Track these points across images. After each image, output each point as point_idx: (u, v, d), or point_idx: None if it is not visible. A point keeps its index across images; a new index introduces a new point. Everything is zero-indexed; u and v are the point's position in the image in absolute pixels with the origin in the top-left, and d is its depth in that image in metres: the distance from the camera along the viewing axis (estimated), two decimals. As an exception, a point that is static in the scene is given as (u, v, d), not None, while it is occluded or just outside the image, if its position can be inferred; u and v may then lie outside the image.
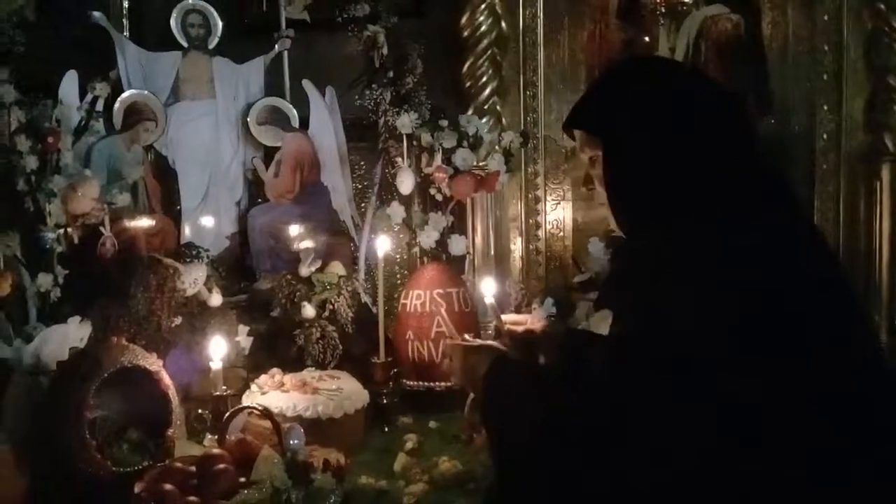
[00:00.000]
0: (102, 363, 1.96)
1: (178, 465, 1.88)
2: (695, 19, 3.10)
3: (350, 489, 1.94)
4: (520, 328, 1.70)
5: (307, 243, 2.74)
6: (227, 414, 2.05)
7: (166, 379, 2.08)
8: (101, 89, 2.49)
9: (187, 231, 2.97)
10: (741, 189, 1.13)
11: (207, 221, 2.95)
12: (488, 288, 1.95)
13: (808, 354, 1.04)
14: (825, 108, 2.94)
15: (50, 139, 2.22)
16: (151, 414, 2.04)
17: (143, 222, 2.62)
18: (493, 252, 3.14)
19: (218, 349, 2.20)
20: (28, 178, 2.22)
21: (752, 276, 1.05)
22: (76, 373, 1.95)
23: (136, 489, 1.81)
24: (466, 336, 1.77)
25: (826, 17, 2.92)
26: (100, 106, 2.53)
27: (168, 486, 1.81)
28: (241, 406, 2.08)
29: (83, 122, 2.45)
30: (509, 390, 1.32)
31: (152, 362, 2.08)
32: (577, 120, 1.33)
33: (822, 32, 2.93)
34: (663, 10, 3.11)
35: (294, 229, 2.92)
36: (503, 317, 1.78)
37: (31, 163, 2.21)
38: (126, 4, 3.21)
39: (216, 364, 2.18)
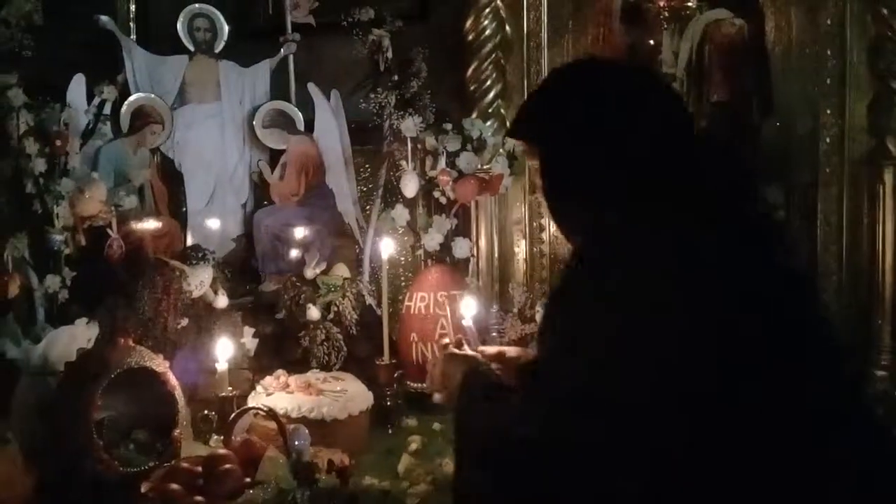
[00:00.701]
0: (110, 364, 1.98)
1: (185, 465, 1.90)
2: (698, 24, 3.11)
3: (355, 490, 1.96)
4: (492, 350, 1.70)
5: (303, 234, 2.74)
6: (232, 415, 2.06)
7: (172, 380, 2.09)
8: (109, 93, 2.51)
9: (193, 233, 2.98)
10: (673, 195, 1.10)
11: (213, 224, 2.97)
12: (467, 309, 1.85)
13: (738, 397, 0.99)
14: (828, 112, 2.94)
15: (58, 142, 2.25)
16: (158, 415, 2.06)
17: (150, 224, 2.64)
18: (496, 255, 3.15)
19: (224, 351, 2.21)
20: (36, 181, 2.24)
21: (680, 306, 1.00)
22: (84, 374, 1.97)
23: (143, 489, 1.84)
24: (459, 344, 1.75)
25: (829, 22, 2.92)
26: (107, 109, 2.55)
27: (174, 486, 1.83)
28: (246, 407, 2.10)
29: (91, 126, 2.47)
30: (471, 403, 1.34)
31: (159, 363, 2.10)
32: (515, 129, 1.35)
33: (825, 37, 2.93)
34: (667, 14, 3.12)
35: (298, 231, 2.94)
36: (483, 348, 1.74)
37: (40, 165, 2.23)
38: (133, 8, 3.24)
39: (222, 365, 2.20)
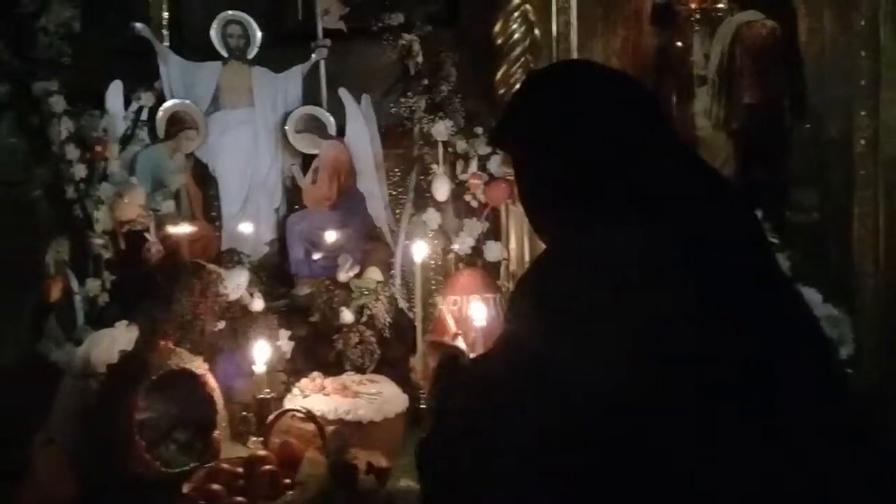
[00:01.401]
0: (151, 366, 2.01)
1: (226, 466, 1.92)
2: (730, 25, 3.09)
3: (392, 492, 1.97)
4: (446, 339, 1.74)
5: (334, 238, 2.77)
6: (271, 417, 2.08)
7: (211, 382, 2.12)
8: (147, 99, 2.55)
9: (227, 237, 3.01)
10: (628, 197, 1.12)
11: (247, 228, 3.00)
12: (477, 312, 2.00)
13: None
14: (863, 113, 2.91)
15: (98, 148, 2.29)
16: (197, 416, 2.09)
17: (185, 229, 2.68)
18: (527, 257, 3.15)
19: (261, 353, 2.24)
20: (77, 186, 2.28)
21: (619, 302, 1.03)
22: (126, 375, 2.00)
23: (185, 489, 1.86)
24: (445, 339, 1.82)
25: (863, 22, 2.89)
26: (145, 115, 2.58)
27: (216, 487, 1.85)
28: (286, 409, 2.12)
29: (129, 131, 2.51)
30: (444, 385, 1.41)
31: (198, 365, 2.13)
32: (490, 137, 1.43)
33: (858, 37, 2.90)
34: (698, 16, 3.11)
35: (329, 235, 2.96)
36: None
37: (80, 171, 2.27)
38: (166, 15, 3.28)
39: (260, 368, 2.22)
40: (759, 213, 2.74)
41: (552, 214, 1.21)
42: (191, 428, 2.09)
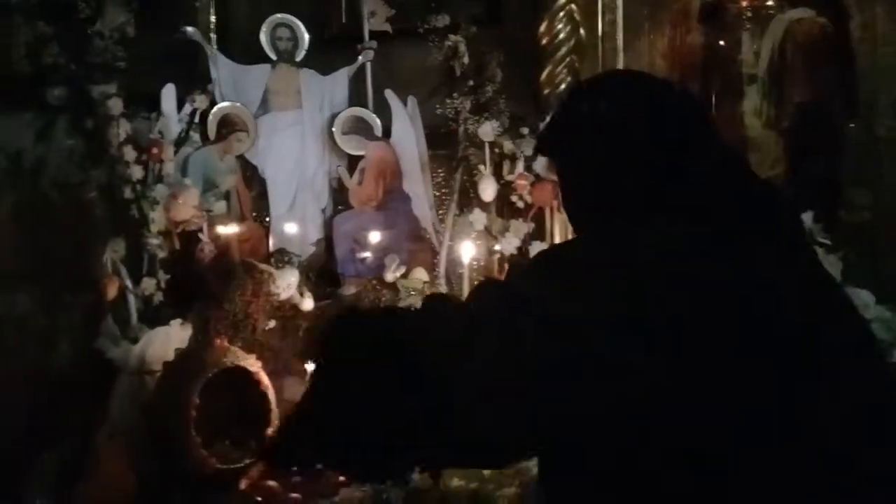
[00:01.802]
0: (207, 363, 2.04)
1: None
2: (780, 23, 3.05)
3: (445, 491, 1.97)
4: None
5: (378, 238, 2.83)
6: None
7: (265, 380, 2.15)
8: (201, 101, 2.59)
9: (275, 238, 3.05)
10: (664, 204, 1.15)
11: (291, 228, 3.03)
12: None
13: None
14: (916, 111, 2.87)
15: (154, 150, 2.33)
16: (251, 413, 2.11)
17: (234, 228, 2.72)
18: None
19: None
20: (133, 187, 2.32)
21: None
22: (183, 372, 2.03)
23: (242, 486, 1.89)
24: None
25: (917, 19, 2.85)
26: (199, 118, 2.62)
27: (272, 483, 1.88)
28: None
29: (183, 134, 2.55)
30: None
31: (252, 363, 2.15)
32: (537, 145, 1.55)
33: (912, 34, 2.86)
34: (749, 14, 3.07)
35: (373, 236, 2.98)
36: None
37: (137, 172, 2.31)
38: (213, 19, 3.32)
39: (311, 366, 2.23)
40: (810, 214, 2.75)
41: (591, 217, 1.25)
42: (245, 425, 2.11)
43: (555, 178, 2.81)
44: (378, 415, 1.15)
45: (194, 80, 3.05)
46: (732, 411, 1.02)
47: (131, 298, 2.49)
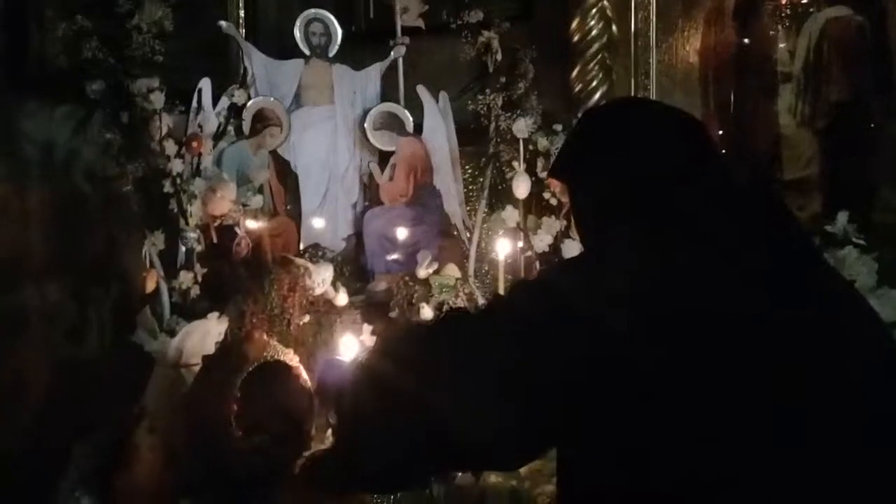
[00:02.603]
0: (248, 357, 2.04)
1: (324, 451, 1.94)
2: (816, 21, 3.03)
3: (484, 487, 1.98)
4: None
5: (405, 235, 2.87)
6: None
7: (304, 374, 2.15)
8: (239, 96, 2.59)
9: (305, 233, 3.05)
10: (673, 222, 1.21)
11: (318, 223, 3.04)
12: None
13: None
14: (954, 111, 2.84)
15: (194, 144, 2.33)
16: (292, 407, 2.11)
17: (265, 223, 2.73)
18: None
19: (349, 347, 2.25)
20: (174, 181, 2.33)
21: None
22: (224, 366, 2.04)
23: (287, 479, 1.89)
24: None
25: (956, 18, 2.82)
26: (246, 113, 2.62)
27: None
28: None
29: (221, 128, 2.55)
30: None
31: (291, 357, 2.16)
32: (551, 170, 1.57)
33: (951, 33, 2.83)
34: (787, 11, 3.04)
35: (401, 232, 2.98)
36: None
37: (178, 166, 2.31)
38: (242, 14, 3.32)
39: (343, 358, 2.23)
40: (845, 214, 2.72)
41: (595, 235, 1.34)
42: (285, 418, 2.11)
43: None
44: (405, 431, 1.19)
45: (229, 74, 3.06)
46: (753, 420, 1.03)
47: (165, 291, 2.50)
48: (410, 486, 1.75)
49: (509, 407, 1.12)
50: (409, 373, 1.25)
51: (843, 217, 2.75)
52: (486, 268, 3.19)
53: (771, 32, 3.13)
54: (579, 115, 3.10)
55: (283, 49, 3.18)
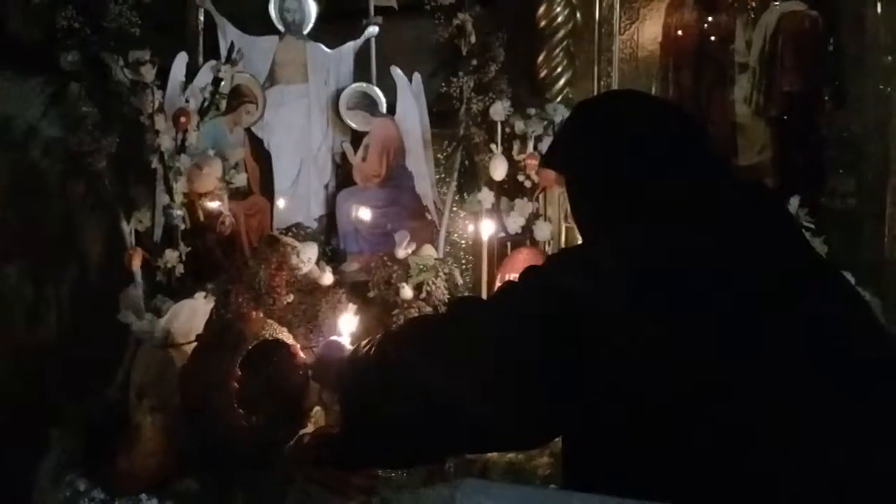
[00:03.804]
0: (246, 335, 2.03)
1: (331, 431, 1.96)
2: (772, 14, 3.17)
3: (485, 461, 2.03)
4: None
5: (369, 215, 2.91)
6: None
7: (301, 352, 2.15)
8: (226, 71, 2.53)
9: (279, 212, 3.02)
10: (665, 207, 1.29)
11: (298, 203, 3.01)
12: None
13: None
14: (900, 104, 3.02)
15: (182, 119, 2.28)
16: (292, 385, 2.11)
17: (245, 202, 2.70)
18: (563, 237, 3.18)
19: (347, 325, 2.26)
20: (161, 157, 2.28)
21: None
22: (223, 344, 2.02)
23: (291, 456, 1.89)
24: None
25: (903, 17, 3.00)
26: (224, 88, 2.57)
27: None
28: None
29: (207, 104, 2.50)
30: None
31: (287, 335, 2.15)
32: (544, 159, 1.61)
33: (898, 30, 3.01)
34: (753, 4, 3.18)
35: (364, 213, 3.00)
36: None
37: (167, 142, 2.26)
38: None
39: (345, 340, 2.24)
40: (797, 199, 2.87)
41: (594, 222, 1.43)
42: (283, 397, 2.11)
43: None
44: (424, 407, 1.26)
45: (193, 50, 2.98)
46: (753, 402, 1.09)
47: (138, 273, 2.44)
48: (423, 461, 1.77)
49: (524, 385, 1.17)
50: (425, 355, 1.29)
51: (794, 201, 2.90)
52: (458, 249, 3.23)
53: (729, 24, 3.26)
54: (545, 99, 3.21)
55: (256, 25, 3.11)
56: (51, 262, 2.82)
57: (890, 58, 3.04)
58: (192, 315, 2.23)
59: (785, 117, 3.21)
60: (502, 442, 1.39)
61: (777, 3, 3.17)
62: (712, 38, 3.29)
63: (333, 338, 1.97)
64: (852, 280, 2.69)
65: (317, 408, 2.28)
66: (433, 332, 1.39)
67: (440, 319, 1.54)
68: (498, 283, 2.83)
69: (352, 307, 2.62)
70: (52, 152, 2.49)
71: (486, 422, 1.21)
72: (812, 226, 2.91)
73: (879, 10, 3.06)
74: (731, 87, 3.29)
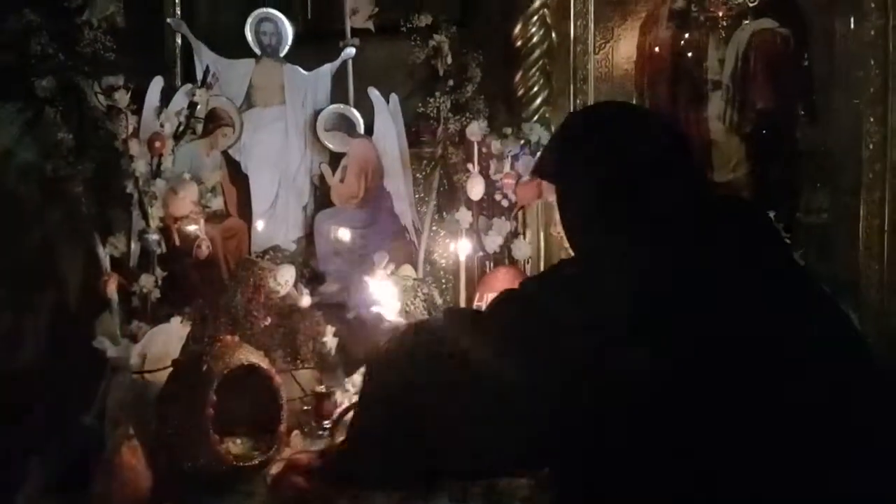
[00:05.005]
0: (224, 361, 2.03)
1: (305, 456, 1.94)
2: (744, 32, 3.21)
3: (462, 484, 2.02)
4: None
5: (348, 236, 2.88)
6: (339, 410, 2.12)
7: (276, 377, 2.15)
8: (201, 95, 2.54)
9: (257, 235, 3.02)
10: (652, 219, 1.31)
11: (276, 225, 3.02)
12: None
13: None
14: (871, 119, 3.05)
15: (157, 143, 2.28)
16: (263, 410, 2.11)
17: (223, 225, 2.70)
18: (542, 255, 3.19)
19: (385, 293, 2.25)
20: (136, 182, 2.28)
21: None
22: (198, 370, 2.01)
23: (269, 481, 1.89)
24: None
25: (872, 33, 3.04)
26: (200, 112, 2.58)
27: (297, 478, 1.87)
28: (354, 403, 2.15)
29: (182, 128, 2.50)
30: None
31: (262, 360, 2.15)
32: (535, 169, 1.67)
33: (868, 47, 3.05)
34: (715, 22, 3.22)
35: (343, 233, 3.01)
36: None
37: (141, 167, 2.26)
38: (178, 12, 3.24)
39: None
40: (771, 214, 2.90)
41: (584, 233, 1.43)
42: (257, 422, 2.11)
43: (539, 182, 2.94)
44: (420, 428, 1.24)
45: (169, 74, 2.99)
46: (735, 409, 1.11)
47: (114, 299, 2.44)
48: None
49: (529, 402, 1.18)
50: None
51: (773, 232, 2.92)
52: (438, 269, 3.24)
53: (702, 42, 3.30)
54: (522, 118, 3.24)
55: (230, 48, 3.13)
56: (28, 289, 2.80)
57: (862, 72, 3.08)
58: (167, 340, 2.23)
59: (761, 132, 3.23)
60: (510, 459, 1.35)
61: (748, 21, 3.21)
62: (686, 56, 3.32)
63: (375, 309, 2.01)
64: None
65: (295, 432, 2.29)
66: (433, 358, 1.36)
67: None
68: (479, 302, 2.84)
69: (330, 329, 2.63)
70: (29, 178, 2.47)
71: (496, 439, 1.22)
72: (787, 241, 2.93)
73: (852, 24, 3.10)
74: (706, 105, 3.31)
